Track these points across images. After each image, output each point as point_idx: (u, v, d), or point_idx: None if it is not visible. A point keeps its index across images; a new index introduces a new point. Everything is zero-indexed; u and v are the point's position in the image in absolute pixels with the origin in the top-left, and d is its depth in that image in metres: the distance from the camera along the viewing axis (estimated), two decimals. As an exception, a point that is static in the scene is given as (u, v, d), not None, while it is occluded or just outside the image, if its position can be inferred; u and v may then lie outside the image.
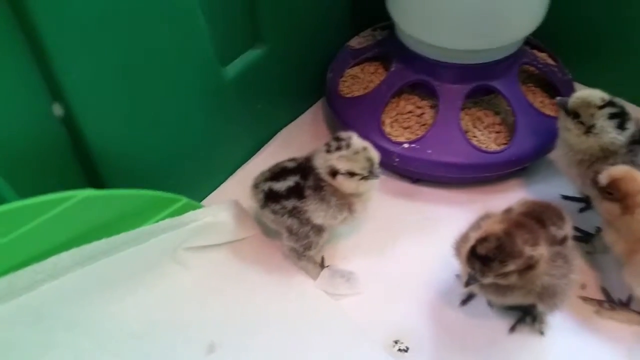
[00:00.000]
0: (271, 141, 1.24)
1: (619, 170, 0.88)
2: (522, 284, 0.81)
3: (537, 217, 0.84)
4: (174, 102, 0.96)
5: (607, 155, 0.93)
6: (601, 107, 0.92)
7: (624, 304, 0.95)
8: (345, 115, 1.15)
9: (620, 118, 0.92)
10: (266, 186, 0.96)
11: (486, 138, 1.10)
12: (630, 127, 0.92)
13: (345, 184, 0.91)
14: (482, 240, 0.78)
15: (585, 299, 0.97)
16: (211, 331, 0.91)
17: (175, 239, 0.95)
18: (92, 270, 0.84)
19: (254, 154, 1.21)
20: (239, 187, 1.13)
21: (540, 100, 1.15)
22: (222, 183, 1.15)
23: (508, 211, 0.86)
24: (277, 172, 0.96)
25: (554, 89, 1.15)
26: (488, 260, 0.77)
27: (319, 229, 0.96)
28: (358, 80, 1.19)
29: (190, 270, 0.97)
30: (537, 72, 1.19)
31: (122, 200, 0.87)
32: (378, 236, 1.06)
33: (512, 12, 1.01)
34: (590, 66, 1.25)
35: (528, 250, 0.77)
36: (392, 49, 1.17)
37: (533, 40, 1.20)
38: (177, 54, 0.92)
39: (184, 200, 0.96)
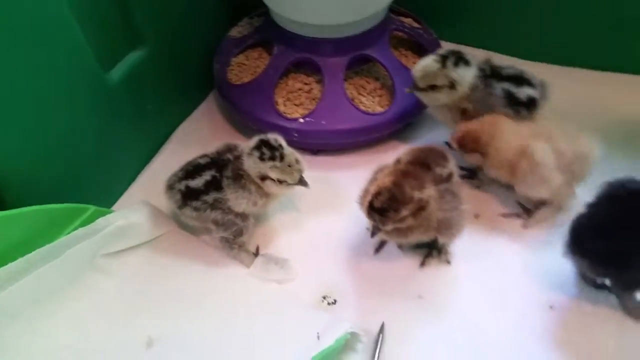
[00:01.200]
0: (170, 139, 1.26)
1: (460, 131, 1.03)
2: (419, 224, 0.91)
3: (422, 162, 0.94)
4: (63, 114, 0.96)
5: (472, 98, 1.06)
6: (443, 65, 1.04)
7: (534, 208, 1.09)
8: (239, 103, 1.19)
9: (461, 58, 1.05)
10: (182, 185, 0.98)
11: (371, 102, 1.19)
12: (473, 62, 1.06)
13: (273, 188, 0.97)
14: (377, 194, 0.88)
15: (506, 215, 1.10)
16: (147, 328, 0.93)
17: (91, 248, 0.95)
18: (14, 291, 0.83)
19: (155, 154, 1.23)
20: (147, 187, 1.15)
21: (413, 62, 1.25)
22: (129, 186, 1.16)
23: (398, 162, 0.96)
24: (191, 170, 0.99)
25: (424, 49, 1.27)
26: (384, 211, 0.87)
27: (243, 216, 1.00)
28: (245, 67, 1.24)
29: (113, 277, 0.98)
30: (406, 37, 1.30)
31: (28, 217, 0.87)
32: (293, 210, 1.12)
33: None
34: (452, 24, 1.39)
35: (417, 195, 0.88)
36: (271, 33, 1.23)
37: (398, 8, 1.31)
38: (59, 67, 0.92)
39: (92, 208, 0.96)
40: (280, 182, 0.96)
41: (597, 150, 1.00)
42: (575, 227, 0.91)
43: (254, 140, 0.96)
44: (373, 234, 0.91)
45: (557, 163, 0.99)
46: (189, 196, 0.98)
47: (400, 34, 1.29)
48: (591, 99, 1.28)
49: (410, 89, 1.10)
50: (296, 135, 1.13)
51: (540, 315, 0.96)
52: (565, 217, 1.04)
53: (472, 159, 1.06)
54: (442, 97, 1.07)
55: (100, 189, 1.09)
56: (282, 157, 0.94)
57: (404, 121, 1.20)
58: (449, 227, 0.94)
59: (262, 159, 0.94)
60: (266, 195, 1.00)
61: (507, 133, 1.03)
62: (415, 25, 1.32)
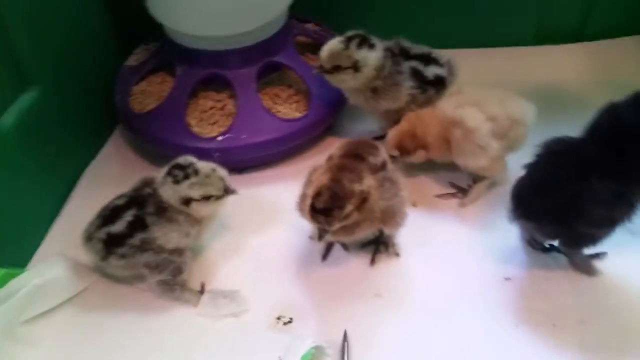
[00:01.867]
0: (80, 182, 1.15)
1: (393, 138, 1.02)
2: (364, 217, 0.87)
3: (354, 154, 0.91)
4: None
5: (380, 76, 1.06)
6: (346, 46, 1.03)
7: (470, 186, 1.08)
8: (148, 132, 1.12)
9: (365, 41, 1.05)
10: (102, 233, 0.89)
11: (289, 109, 1.15)
12: (378, 45, 1.06)
13: (202, 209, 0.90)
14: (317, 195, 0.83)
15: (441, 195, 1.08)
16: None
17: (7, 316, 0.84)
18: None
19: (66, 200, 1.11)
20: (62, 239, 1.04)
21: (321, 64, 1.25)
22: (42, 240, 1.04)
23: (330, 158, 0.92)
24: (109, 214, 0.90)
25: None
26: (329, 211, 0.82)
27: (178, 252, 0.92)
28: (148, 94, 1.17)
29: (37, 346, 0.87)
30: (311, 41, 1.28)
31: None
32: (231, 236, 1.05)
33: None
34: (352, 23, 1.37)
35: (357, 187, 0.84)
36: (171, 55, 1.16)
37: (297, 15, 1.28)
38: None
39: (1, 270, 0.85)
40: (205, 198, 0.89)
41: (531, 112, 1.01)
42: (517, 191, 0.90)
43: (164, 168, 0.90)
44: (320, 237, 0.86)
45: (492, 128, 0.99)
46: (112, 244, 0.89)
47: (304, 38, 1.27)
48: (497, 75, 1.30)
49: (316, 71, 1.07)
50: (217, 154, 1.07)
51: (498, 289, 0.94)
52: (501, 190, 1.07)
53: (419, 157, 1.05)
54: (348, 79, 1.06)
55: (9, 248, 0.96)
56: (196, 172, 0.88)
57: (326, 122, 1.17)
58: (392, 215, 0.91)
59: (176, 181, 0.88)
60: (197, 222, 0.92)
61: (434, 114, 1.02)
62: (317, 29, 1.30)
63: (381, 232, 0.96)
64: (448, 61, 1.11)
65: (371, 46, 1.05)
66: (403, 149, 1.03)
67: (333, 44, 1.05)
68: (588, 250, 0.93)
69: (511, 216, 0.91)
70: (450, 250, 1.01)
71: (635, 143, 0.81)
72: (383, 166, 0.92)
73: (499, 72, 1.31)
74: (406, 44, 1.10)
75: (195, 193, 0.88)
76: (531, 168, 0.89)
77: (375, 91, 1.08)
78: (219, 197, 0.91)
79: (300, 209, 0.90)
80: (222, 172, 0.91)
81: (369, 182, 0.86)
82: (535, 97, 1.05)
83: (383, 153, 0.94)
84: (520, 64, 1.35)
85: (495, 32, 1.39)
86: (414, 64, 1.08)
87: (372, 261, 0.99)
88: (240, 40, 1.09)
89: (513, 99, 1.03)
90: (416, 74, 1.08)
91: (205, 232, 0.96)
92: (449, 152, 1.03)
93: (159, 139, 1.10)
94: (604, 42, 1.38)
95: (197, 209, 0.90)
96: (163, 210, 0.89)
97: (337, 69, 1.05)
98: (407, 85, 1.07)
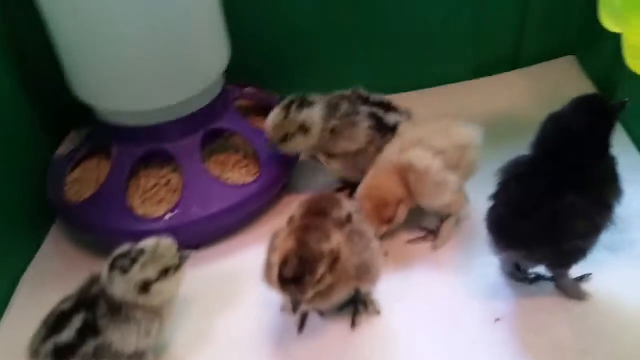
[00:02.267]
0: (19, 288, 1.04)
1: (369, 213, 0.94)
2: (338, 278, 0.80)
3: (317, 211, 0.85)
4: None
5: (331, 130, 1.05)
6: (287, 113, 1.02)
7: (438, 227, 1.04)
8: (87, 222, 1.03)
9: (304, 101, 1.04)
10: (49, 346, 0.78)
11: (239, 175, 1.09)
12: (316, 99, 1.05)
13: (164, 289, 0.82)
14: (284, 263, 0.76)
15: (412, 241, 1.04)
16: None
17: None
18: None
19: (5, 309, 1.00)
20: (4, 354, 0.91)
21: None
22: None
23: (292, 220, 0.85)
24: (55, 322, 0.80)
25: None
26: (299, 279, 0.75)
27: (138, 355, 0.82)
28: (84, 182, 1.08)
29: None
30: (251, 104, 1.24)
31: None
32: (194, 324, 0.95)
33: (193, 61, 1.01)
34: (289, 83, 1.34)
35: (326, 247, 0.77)
36: (105, 136, 1.09)
37: (235, 81, 1.24)
38: None
39: None
40: (164, 273, 0.81)
41: (476, 133, 0.99)
42: (496, 222, 0.85)
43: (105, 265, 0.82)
44: (295, 309, 0.78)
45: (443, 163, 0.95)
46: (61, 356, 0.78)
47: (246, 102, 1.23)
48: (440, 113, 1.25)
49: (270, 148, 1.05)
50: (167, 235, 0.98)
51: (490, 332, 0.88)
52: (467, 226, 1.04)
53: (404, 213, 0.98)
54: (301, 143, 1.04)
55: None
56: (142, 252, 0.81)
57: (280, 181, 1.11)
58: (367, 270, 0.84)
59: (125, 271, 0.79)
60: (157, 314, 0.83)
61: (387, 168, 0.98)
62: (256, 91, 1.26)
63: (358, 291, 0.89)
64: (406, 110, 1.11)
65: (310, 104, 1.04)
66: (388, 220, 0.96)
67: (274, 116, 1.03)
68: (575, 274, 0.89)
69: (496, 249, 0.86)
70: (432, 298, 0.94)
71: (591, 146, 0.82)
72: (349, 219, 0.85)
73: (440, 110, 1.29)
74: (364, 92, 1.10)
75: (151, 272, 0.80)
76: (501, 196, 0.86)
77: (333, 131, 1.05)
78: (177, 267, 0.83)
79: (267, 279, 0.82)
80: (167, 240, 0.84)
81: (337, 239, 0.80)
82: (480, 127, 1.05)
83: (347, 205, 0.88)
84: (460, 99, 1.35)
85: (433, 71, 1.39)
86: (374, 109, 1.08)
87: (353, 324, 0.91)
88: (177, 110, 1.03)
89: (455, 125, 1.00)
90: (375, 119, 1.07)
91: (167, 326, 0.86)
92: (411, 198, 0.99)
93: (100, 228, 1.01)
94: (539, 66, 1.40)
95: (159, 291, 0.81)
96: (117, 310, 0.80)
97: (286, 138, 1.03)
98: (365, 126, 1.05)
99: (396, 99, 1.32)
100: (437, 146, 0.96)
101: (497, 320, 0.89)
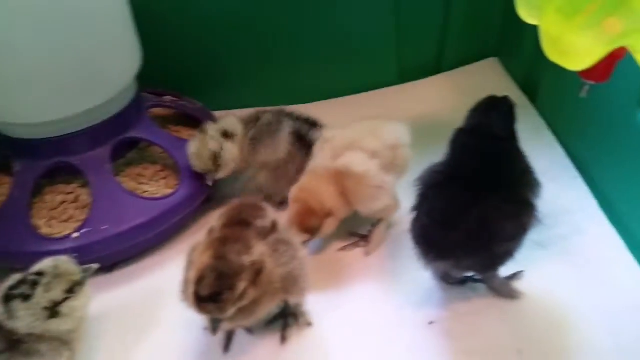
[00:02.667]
0: None
1: (295, 222, 0.90)
2: (263, 291, 0.75)
3: (238, 220, 0.79)
4: None
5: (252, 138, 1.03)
6: (203, 135, 0.99)
7: (370, 232, 1.01)
8: (-15, 244, 0.92)
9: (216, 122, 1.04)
10: None
11: (157, 187, 1.02)
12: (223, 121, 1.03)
13: (73, 307, 0.75)
14: (200, 280, 0.70)
15: (344, 248, 1.00)
16: None
17: None
18: None
19: None
20: None
21: (188, 134, 1.13)
22: None
23: (211, 231, 0.79)
24: None
25: (194, 119, 1.15)
26: (216, 296, 0.70)
27: None
28: (-17, 201, 0.98)
29: None
30: (169, 112, 1.17)
31: None
32: (110, 355, 0.86)
33: (98, 66, 0.94)
34: (212, 92, 1.30)
35: (247, 259, 0.72)
36: (5, 151, 0.99)
37: (152, 90, 1.17)
38: None
39: None
40: (70, 291, 0.75)
41: (404, 131, 0.98)
42: (421, 233, 0.83)
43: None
44: (215, 329, 0.72)
45: (379, 164, 0.92)
46: None
47: (163, 110, 1.16)
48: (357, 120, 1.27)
49: (209, 180, 1.01)
50: (75, 255, 0.88)
51: (424, 336, 0.85)
52: (396, 230, 1.02)
53: (330, 226, 0.94)
54: (232, 150, 1.01)
55: None
56: (40, 274, 0.75)
57: (202, 192, 1.04)
58: (294, 281, 0.79)
59: (26, 297, 0.72)
60: (66, 342, 0.75)
61: (317, 176, 0.93)
62: (175, 99, 1.19)
63: (287, 303, 0.83)
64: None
65: (223, 119, 1.04)
66: (311, 230, 0.91)
67: (192, 146, 1.00)
68: (506, 273, 0.88)
69: (425, 261, 0.83)
70: (365, 305, 0.91)
71: (502, 146, 0.82)
72: (274, 228, 0.80)
73: (367, 116, 1.26)
74: (289, 110, 1.08)
75: (57, 292, 0.74)
76: (423, 207, 0.83)
77: (254, 139, 1.01)
78: (82, 282, 0.77)
79: (184, 298, 0.75)
80: (64, 257, 0.78)
81: (260, 249, 0.75)
82: (411, 131, 1.02)
83: (270, 213, 0.83)
84: (386, 104, 1.34)
85: (358, 78, 1.38)
86: (298, 125, 1.05)
87: (283, 338, 0.85)
88: (83, 120, 0.95)
89: (382, 125, 0.98)
90: (299, 134, 1.04)
91: (78, 355, 0.78)
92: (347, 205, 0.95)
93: (0, 251, 0.91)
94: (463, 69, 1.41)
95: (69, 311, 0.74)
96: (17, 345, 0.72)
97: (216, 157, 0.99)
98: (286, 135, 1.03)
99: (321, 106, 1.32)
100: (370, 148, 0.93)
101: (431, 323, 0.87)
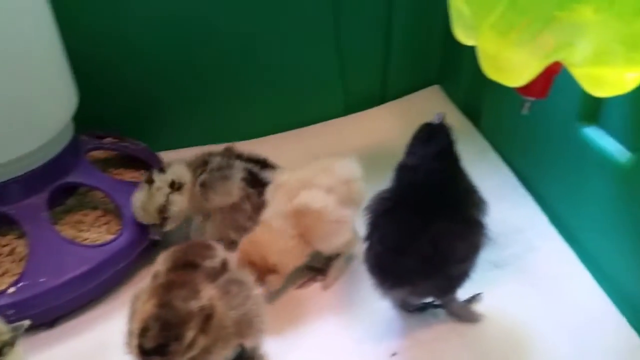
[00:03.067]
0: None
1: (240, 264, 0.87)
2: (214, 337, 0.70)
3: (184, 262, 0.75)
4: None
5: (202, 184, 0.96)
6: (150, 185, 0.94)
7: (327, 265, 0.98)
8: None
9: (162, 168, 0.97)
10: None
11: (98, 234, 0.97)
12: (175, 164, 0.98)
13: None
14: (143, 331, 0.65)
15: (301, 285, 0.97)
16: None
17: None
18: None
19: None
20: None
21: (131, 177, 1.10)
22: None
23: (155, 277, 0.74)
24: None
25: (137, 160, 1.12)
26: (162, 348, 0.65)
27: None
28: None
29: None
30: (110, 155, 1.13)
31: None
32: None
33: (30, 109, 0.90)
34: (156, 133, 1.26)
35: (194, 305, 0.68)
36: None
37: (92, 132, 1.13)
38: None
39: None
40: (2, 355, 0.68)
41: (355, 165, 0.96)
42: (376, 262, 0.81)
43: None
44: None
45: (336, 199, 0.91)
46: None
47: (103, 153, 1.12)
48: (314, 150, 1.26)
49: (155, 234, 0.96)
50: (11, 312, 0.83)
51: (389, 367, 0.82)
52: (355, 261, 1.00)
53: (275, 284, 0.90)
54: (182, 201, 0.96)
55: None
56: None
57: (146, 237, 0.98)
58: (249, 324, 0.74)
59: None
60: None
61: (269, 229, 0.90)
62: (117, 140, 1.15)
63: (243, 348, 0.79)
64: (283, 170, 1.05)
65: (169, 165, 0.97)
66: (261, 273, 0.88)
67: (137, 199, 0.94)
68: (463, 296, 0.87)
69: (382, 290, 0.81)
70: (325, 342, 0.87)
71: (444, 168, 0.82)
72: (224, 267, 0.76)
73: (315, 148, 1.28)
74: (239, 149, 1.04)
75: None
76: (374, 235, 0.82)
77: (204, 185, 0.96)
78: (11, 342, 0.69)
79: (129, 350, 0.70)
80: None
81: (209, 293, 0.70)
82: (360, 161, 1.01)
83: (220, 252, 0.79)
84: (333, 136, 1.34)
85: (306, 111, 1.37)
86: (250, 165, 1.01)
87: (241, 388, 0.80)
88: (16, 167, 0.90)
89: (333, 162, 0.97)
90: (251, 175, 1.00)
91: None
92: (309, 246, 0.92)
93: None
94: (407, 98, 1.43)
95: None
96: None
97: (163, 209, 0.94)
98: (238, 178, 0.98)
99: (269, 141, 1.30)
100: (325, 184, 0.91)
101: (394, 355, 0.84)
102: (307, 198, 0.89)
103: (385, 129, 1.34)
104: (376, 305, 0.90)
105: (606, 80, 0.70)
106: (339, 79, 1.35)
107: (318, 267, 0.99)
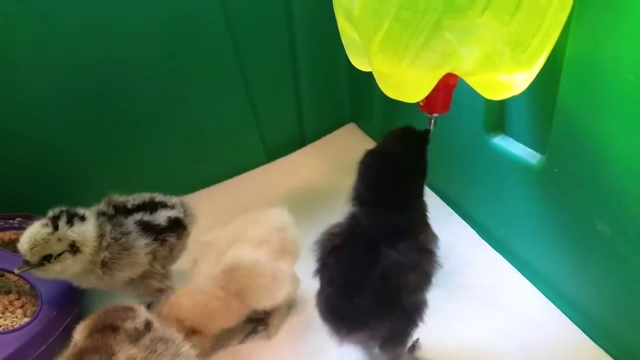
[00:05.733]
0: None
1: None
2: None
3: (105, 326, 0.70)
4: None
5: (103, 246, 0.87)
6: (55, 228, 0.83)
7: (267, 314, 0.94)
8: None
9: (75, 215, 0.86)
10: None
11: (13, 319, 0.91)
12: (89, 214, 0.88)
13: None
14: None
15: (243, 340, 0.93)
16: None
17: None
18: None
19: None
20: None
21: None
22: None
23: (74, 346, 0.68)
24: None
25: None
26: None
27: None
28: None
29: None
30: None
31: None
32: None
33: None
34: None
35: None
36: None
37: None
38: None
39: None
40: None
41: (284, 213, 0.95)
42: (328, 306, 0.75)
43: None
44: None
45: (269, 251, 0.88)
46: None
47: (11, 233, 1.04)
48: (241, 201, 1.25)
49: (20, 268, 0.83)
50: None
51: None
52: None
53: (201, 344, 0.85)
54: (68, 266, 0.84)
55: None
56: None
57: (69, 312, 0.92)
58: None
59: None
60: None
61: (195, 285, 0.87)
62: (25, 219, 1.08)
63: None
64: (180, 202, 0.98)
65: (82, 218, 0.86)
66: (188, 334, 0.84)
67: (35, 230, 0.82)
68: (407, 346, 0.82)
69: (339, 337, 0.75)
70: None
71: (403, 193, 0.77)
72: (148, 327, 0.72)
73: (241, 198, 1.27)
74: (120, 198, 0.94)
75: None
76: (324, 276, 0.76)
77: (105, 265, 0.87)
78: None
79: None
80: None
81: (126, 354, 0.66)
82: (288, 205, 0.99)
83: (141, 313, 0.74)
84: (258, 184, 1.34)
85: (226, 164, 1.36)
86: (139, 216, 0.92)
87: None
88: None
89: (261, 213, 0.95)
90: (146, 227, 0.91)
91: None
92: (245, 305, 0.88)
93: None
94: (325, 138, 1.45)
95: None
96: None
97: (48, 258, 0.82)
98: (142, 244, 0.90)
99: (193, 198, 1.27)
100: (256, 238, 0.89)
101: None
102: (236, 255, 0.86)
103: (308, 170, 1.36)
104: (324, 345, 0.86)
105: (499, 83, 0.73)
106: (255, 129, 1.36)
107: (257, 318, 0.95)
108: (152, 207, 0.94)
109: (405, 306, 0.74)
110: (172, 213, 0.94)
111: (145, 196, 0.95)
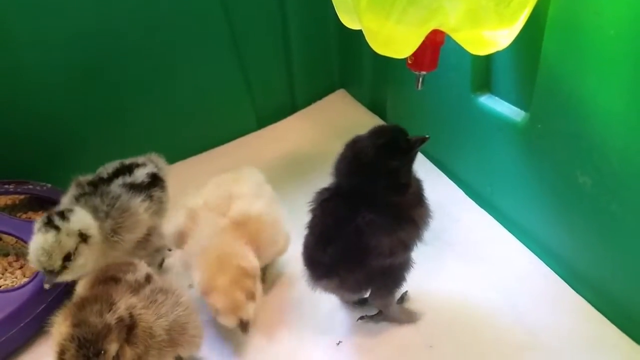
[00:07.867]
0: None
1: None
2: (144, 347, 0.68)
3: (107, 278, 0.73)
4: None
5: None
6: (57, 230, 0.81)
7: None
8: None
9: (63, 211, 0.84)
10: None
11: (13, 279, 0.92)
12: (72, 205, 0.87)
13: None
14: (61, 355, 0.63)
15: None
16: None
17: None
18: None
19: None
20: None
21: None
22: None
23: (76, 297, 0.71)
24: None
25: (46, 200, 1.06)
26: None
27: None
28: None
29: None
30: (19, 199, 1.08)
31: None
32: None
33: None
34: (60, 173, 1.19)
35: (110, 317, 0.65)
36: None
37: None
38: None
39: None
40: None
41: (257, 172, 0.98)
42: (306, 253, 0.79)
43: None
44: None
45: (265, 202, 0.91)
46: None
47: (6, 198, 1.07)
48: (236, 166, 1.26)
49: (47, 282, 0.81)
50: None
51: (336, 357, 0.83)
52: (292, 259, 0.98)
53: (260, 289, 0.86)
54: (89, 254, 0.83)
55: None
56: None
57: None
58: (182, 331, 0.73)
59: None
60: None
61: (214, 243, 0.85)
62: (19, 184, 1.09)
63: (179, 358, 0.76)
64: (148, 158, 0.99)
65: (69, 210, 0.84)
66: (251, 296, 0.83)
67: (41, 241, 0.80)
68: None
69: (310, 282, 0.79)
70: (273, 338, 0.87)
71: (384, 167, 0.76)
72: (148, 279, 0.74)
73: (233, 164, 1.24)
74: (88, 176, 0.93)
75: None
76: (310, 224, 0.80)
77: (115, 232, 0.87)
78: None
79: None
80: None
81: (126, 303, 0.68)
82: (279, 171, 1.01)
83: (142, 266, 0.76)
84: (250, 149, 1.35)
85: (219, 131, 1.37)
86: (121, 180, 0.92)
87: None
88: None
89: (236, 173, 0.96)
90: (132, 187, 0.91)
91: None
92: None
93: None
94: (315, 104, 1.47)
95: None
96: None
97: (68, 258, 0.81)
98: (138, 202, 0.90)
99: (185, 164, 1.28)
100: (249, 192, 0.91)
101: (339, 343, 0.85)
102: (243, 206, 0.88)
103: (299, 136, 1.37)
104: (320, 297, 0.87)
105: (484, 39, 0.75)
106: (247, 95, 1.37)
107: None
108: (128, 169, 0.94)
109: (374, 266, 0.76)
110: (147, 169, 0.96)
111: (114, 164, 0.96)
